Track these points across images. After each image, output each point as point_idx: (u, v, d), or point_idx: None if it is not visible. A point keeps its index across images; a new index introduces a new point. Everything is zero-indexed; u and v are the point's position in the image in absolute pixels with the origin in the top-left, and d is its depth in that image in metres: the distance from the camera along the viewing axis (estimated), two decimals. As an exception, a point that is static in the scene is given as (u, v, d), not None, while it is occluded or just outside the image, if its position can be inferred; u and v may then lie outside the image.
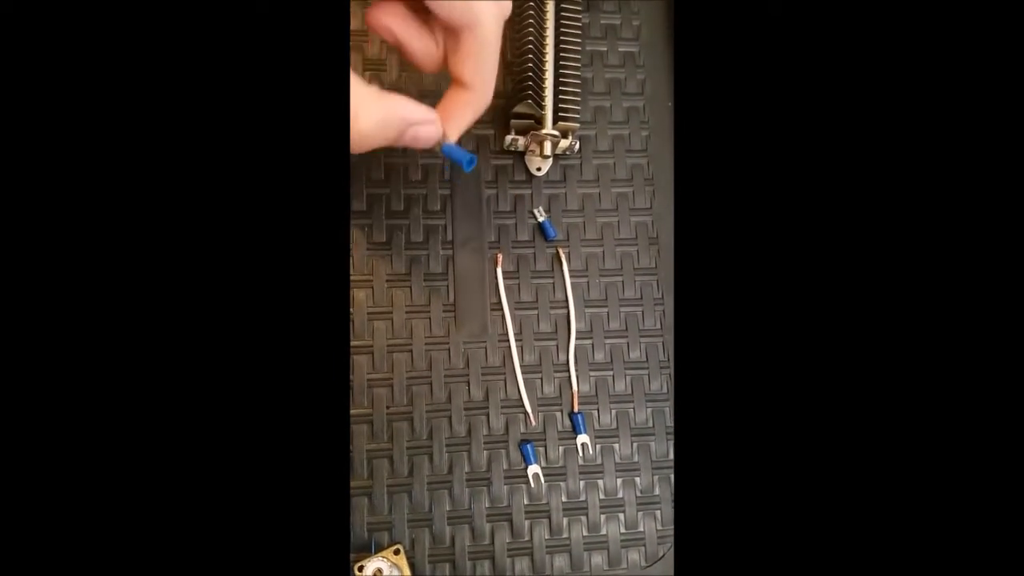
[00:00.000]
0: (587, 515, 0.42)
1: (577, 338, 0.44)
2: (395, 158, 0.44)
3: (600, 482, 0.42)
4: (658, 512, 0.43)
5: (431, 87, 0.45)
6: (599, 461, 0.43)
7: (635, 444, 0.43)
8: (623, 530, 0.42)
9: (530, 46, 0.43)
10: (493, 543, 0.41)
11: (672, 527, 0.42)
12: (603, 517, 0.42)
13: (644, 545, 0.42)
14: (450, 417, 0.42)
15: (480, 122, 0.45)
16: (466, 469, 0.41)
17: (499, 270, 0.44)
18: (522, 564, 0.41)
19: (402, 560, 0.38)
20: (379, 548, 0.39)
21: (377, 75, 0.45)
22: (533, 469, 0.42)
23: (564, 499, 0.42)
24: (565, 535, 0.41)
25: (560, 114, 0.43)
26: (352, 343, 0.41)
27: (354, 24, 0.45)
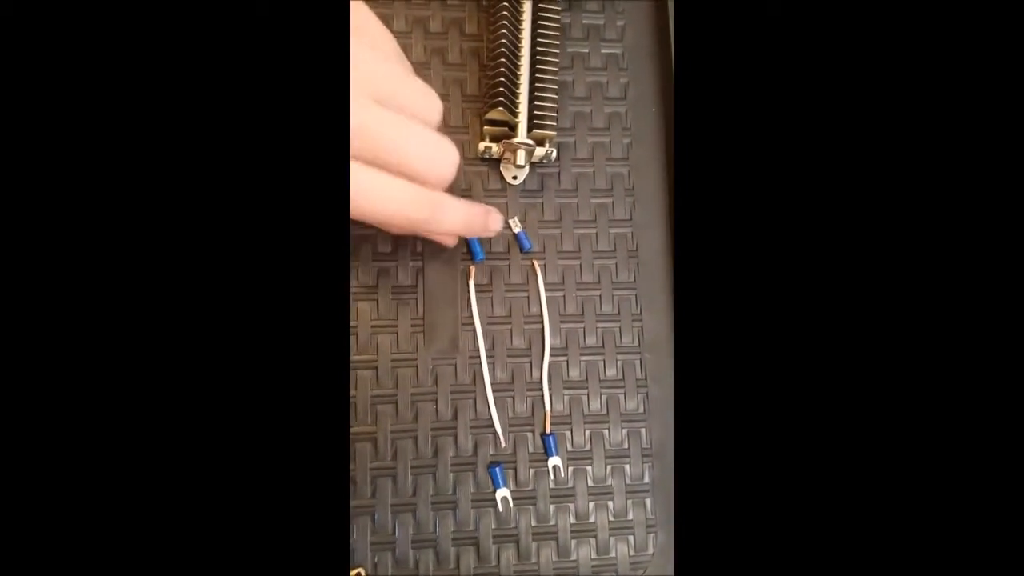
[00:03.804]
0: (557, 539, 0.40)
1: (551, 355, 0.42)
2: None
3: (571, 506, 0.41)
4: (631, 537, 0.41)
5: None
6: (571, 484, 0.41)
7: (609, 466, 0.42)
8: (594, 555, 0.41)
9: (503, 48, 0.41)
10: (459, 567, 0.39)
11: (646, 553, 0.41)
12: (574, 542, 0.41)
13: (616, 571, 0.41)
14: (416, 437, 0.40)
15: (454, 127, 0.44)
16: (431, 491, 0.40)
17: (471, 283, 0.42)
18: (488, 589, 0.39)
19: (363, 585, 0.37)
20: (340, 572, 0.38)
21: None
22: (502, 492, 0.40)
23: (534, 523, 0.40)
24: (534, 560, 0.40)
25: (535, 121, 0.41)
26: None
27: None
